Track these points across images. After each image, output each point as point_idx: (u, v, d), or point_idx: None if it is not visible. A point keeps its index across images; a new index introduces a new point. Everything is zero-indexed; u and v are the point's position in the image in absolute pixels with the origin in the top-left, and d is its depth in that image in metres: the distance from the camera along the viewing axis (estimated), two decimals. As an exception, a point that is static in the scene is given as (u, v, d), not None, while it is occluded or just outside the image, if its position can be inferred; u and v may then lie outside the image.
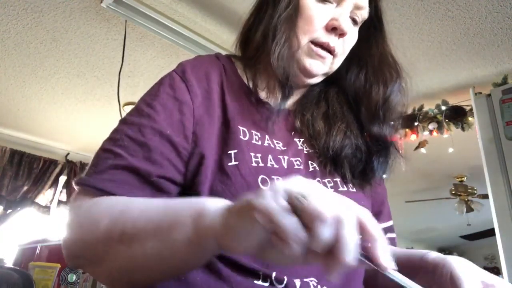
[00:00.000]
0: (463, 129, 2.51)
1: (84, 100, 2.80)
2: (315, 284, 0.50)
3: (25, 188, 3.36)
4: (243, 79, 0.65)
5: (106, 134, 0.55)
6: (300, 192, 0.32)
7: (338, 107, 0.68)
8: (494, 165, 1.85)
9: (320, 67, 0.63)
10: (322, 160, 0.61)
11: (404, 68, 0.69)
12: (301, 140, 0.63)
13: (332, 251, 0.31)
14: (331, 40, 0.61)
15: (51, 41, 2.17)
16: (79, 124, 3.17)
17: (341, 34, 0.61)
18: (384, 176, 0.67)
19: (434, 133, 2.56)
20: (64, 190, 3.60)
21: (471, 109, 2.35)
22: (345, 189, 0.60)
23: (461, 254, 7.38)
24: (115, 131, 0.54)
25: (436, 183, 4.19)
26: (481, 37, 2.04)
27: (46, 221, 3.46)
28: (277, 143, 0.60)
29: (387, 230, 0.73)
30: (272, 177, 0.53)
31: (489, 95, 2.00)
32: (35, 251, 1.84)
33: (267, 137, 0.59)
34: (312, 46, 0.61)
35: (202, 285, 0.48)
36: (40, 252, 1.83)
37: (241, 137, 0.56)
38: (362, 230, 0.32)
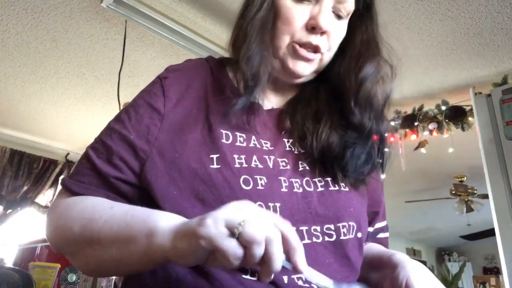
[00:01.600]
0: (463, 129, 2.51)
1: (84, 100, 2.80)
2: (303, 280, 0.50)
3: (25, 188, 3.36)
4: (234, 82, 0.64)
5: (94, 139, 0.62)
6: (238, 219, 0.39)
7: (326, 105, 0.66)
8: (494, 165, 1.85)
9: (306, 68, 0.62)
10: (311, 160, 0.60)
11: (391, 53, 0.66)
12: (290, 140, 0.63)
13: (263, 260, 0.40)
14: (313, 39, 0.60)
15: (51, 41, 2.17)
16: (79, 124, 3.17)
17: (322, 32, 0.60)
18: (375, 170, 0.64)
19: (434, 133, 2.56)
20: (64, 190, 3.60)
21: (471, 109, 2.35)
22: (337, 188, 0.59)
23: (461, 254, 7.39)
24: (99, 134, 0.60)
25: (436, 183, 4.19)
26: (481, 37, 2.04)
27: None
28: (264, 143, 0.60)
29: (380, 230, 0.73)
30: (255, 176, 0.53)
31: (489, 95, 2.00)
32: (35, 251, 1.84)
33: (253, 137, 0.59)
34: (297, 47, 0.61)
35: (191, 283, 0.48)
36: (40, 252, 1.83)
37: (224, 140, 0.56)
38: (285, 242, 0.41)
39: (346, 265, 0.56)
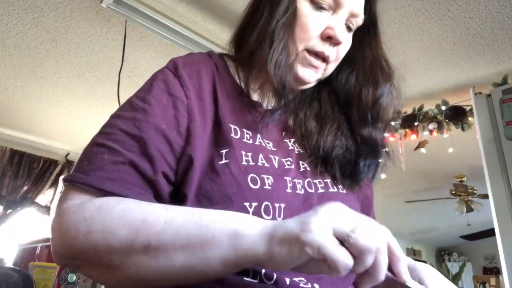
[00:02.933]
0: (463, 129, 2.51)
1: (84, 100, 2.80)
2: (305, 282, 0.50)
3: (25, 188, 3.36)
4: (235, 78, 0.64)
5: (100, 129, 0.54)
6: (347, 226, 0.37)
7: (330, 108, 0.68)
8: (494, 165, 1.85)
9: (313, 75, 0.63)
10: (312, 160, 0.61)
11: (398, 72, 0.68)
12: (292, 140, 0.63)
13: (368, 270, 0.38)
14: (326, 49, 0.61)
15: (51, 41, 2.17)
16: (79, 124, 3.17)
17: (336, 43, 0.61)
18: (373, 178, 0.67)
19: (434, 133, 2.56)
20: (64, 190, 3.60)
21: (471, 109, 2.35)
22: (335, 190, 0.60)
23: (461, 254, 7.39)
24: (107, 125, 0.52)
25: (436, 183, 4.19)
26: (481, 37, 2.04)
27: (46, 221, 3.46)
28: (267, 143, 0.60)
29: None
30: (262, 176, 0.53)
31: (489, 95, 2.00)
32: (35, 251, 1.84)
33: (258, 136, 0.59)
34: (306, 55, 0.61)
35: (193, 283, 0.48)
36: (40, 252, 1.83)
37: (232, 135, 0.55)
38: (390, 252, 0.40)
39: None
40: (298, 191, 0.56)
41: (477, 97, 2.05)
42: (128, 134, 0.50)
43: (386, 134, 0.67)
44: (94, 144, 0.50)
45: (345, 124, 0.66)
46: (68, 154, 3.67)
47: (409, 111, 2.64)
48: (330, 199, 0.57)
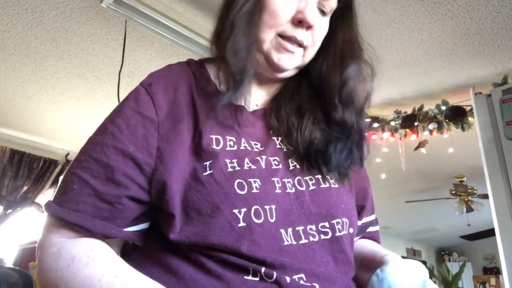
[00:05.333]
0: (463, 129, 2.51)
1: (84, 100, 2.80)
2: (304, 280, 0.50)
3: (25, 188, 3.36)
4: (216, 83, 0.62)
5: (77, 154, 0.56)
6: None
7: (308, 101, 0.66)
8: (494, 165, 1.85)
9: (290, 61, 0.62)
10: (297, 157, 0.61)
11: (370, 53, 0.66)
12: (279, 138, 0.62)
13: None
14: (298, 33, 0.60)
15: (51, 41, 2.17)
16: (79, 124, 3.17)
17: (308, 27, 0.60)
18: (352, 164, 0.65)
19: (434, 133, 2.56)
20: (64, 190, 3.60)
21: (471, 109, 2.35)
22: (327, 185, 0.59)
23: (461, 254, 7.39)
24: (82, 151, 0.55)
25: (436, 183, 4.19)
26: (481, 37, 2.04)
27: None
28: (254, 144, 0.59)
29: (369, 224, 0.73)
30: (249, 180, 0.52)
31: (489, 95, 2.00)
32: (35, 251, 1.84)
33: (243, 140, 0.58)
34: (280, 40, 0.60)
35: (194, 282, 0.48)
36: (40, 252, 1.82)
37: (214, 146, 0.55)
38: None
39: (344, 261, 0.56)
40: (288, 190, 0.55)
41: (477, 97, 2.05)
42: (96, 160, 0.52)
43: (363, 121, 0.65)
44: (69, 172, 0.53)
45: (321, 115, 0.65)
46: (68, 154, 3.67)
47: (409, 111, 2.64)
48: (322, 195, 0.57)
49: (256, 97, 0.67)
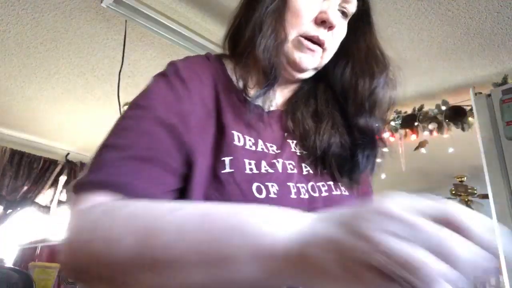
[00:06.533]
0: (463, 129, 2.51)
1: (84, 100, 2.80)
2: None
3: (25, 188, 3.36)
4: (233, 79, 0.62)
5: (106, 134, 0.54)
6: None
7: (325, 104, 0.67)
8: (494, 165, 1.85)
9: (310, 60, 0.62)
10: (312, 161, 0.60)
11: (393, 62, 0.68)
12: (294, 141, 0.62)
13: None
14: (321, 33, 0.61)
15: (51, 41, 2.17)
16: (79, 124, 3.17)
17: (330, 27, 0.61)
18: (372, 171, 0.66)
19: (434, 133, 2.56)
20: (64, 190, 3.60)
21: (471, 109, 2.35)
22: (339, 192, 0.59)
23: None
24: (114, 126, 0.52)
25: (436, 183, 4.19)
26: (481, 37, 2.04)
27: (46, 221, 3.46)
28: (270, 146, 0.58)
29: None
30: (267, 184, 0.51)
31: (489, 95, 2.00)
32: (35, 251, 1.84)
33: (260, 141, 0.57)
34: (302, 40, 0.61)
35: None
36: (40, 252, 1.83)
37: (236, 143, 0.54)
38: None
39: None
40: (302, 196, 0.54)
41: (477, 97, 2.05)
42: (134, 131, 0.49)
43: (383, 128, 0.67)
44: (102, 146, 0.49)
45: (340, 120, 0.65)
46: (68, 154, 3.67)
47: (409, 111, 2.64)
48: (334, 202, 0.57)
49: (273, 100, 0.66)
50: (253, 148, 0.56)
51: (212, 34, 2.07)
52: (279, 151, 0.58)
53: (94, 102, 2.82)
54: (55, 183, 3.55)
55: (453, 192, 4.00)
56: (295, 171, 0.57)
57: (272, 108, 0.65)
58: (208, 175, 0.50)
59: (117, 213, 0.39)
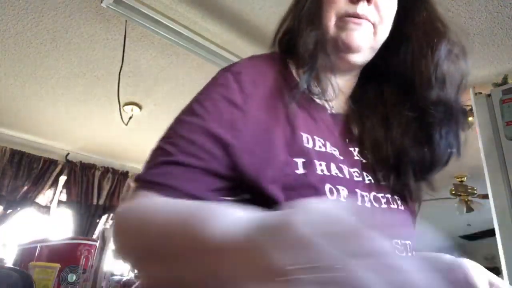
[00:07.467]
0: (463, 129, 2.50)
1: (84, 100, 2.80)
2: None
3: (25, 188, 3.36)
4: (298, 80, 0.60)
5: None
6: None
7: (395, 109, 0.63)
8: (494, 165, 1.85)
9: (360, 35, 0.59)
10: (381, 172, 0.58)
11: (457, 25, 0.62)
12: (357, 149, 0.60)
13: None
14: (360, 8, 0.58)
15: (51, 41, 2.17)
16: (79, 124, 3.17)
17: (368, 1, 0.58)
18: (459, 151, 0.62)
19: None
20: (64, 190, 3.60)
21: (471, 109, 2.34)
22: (395, 206, 0.58)
23: (461, 254, 7.39)
24: (169, 129, 0.56)
25: (436, 183, 4.19)
26: (481, 37, 2.04)
27: (46, 221, 3.46)
28: (334, 150, 0.56)
29: None
30: (337, 186, 0.51)
31: (489, 95, 2.00)
32: (35, 251, 1.84)
33: (328, 143, 0.56)
34: (344, 18, 0.59)
35: None
36: (40, 252, 1.83)
37: (306, 144, 0.53)
38: None
39: None
40: (366, 205, 0.53)
41: (477, 97, 2.05)
42: (183, 137, 0.52)
43: (461, 104, 0.61)
44: (156, 147, 0.54)
45: (412, 120, 0.61)
46: (68, 154, 3.67)
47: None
48: (392, 215, 0.55)
49: (334, 94, 0.63)
50: (323, 149, 0.55)
51: (212, 34, 2.07)
52: (342, 157, 0.57)
53: (94, 102, 2.82)
54: (55, 183, 3.55)
55: (453, 192, 4.00)
56: (360, 178, 0.56)
57: (334, 111, 0.63)
58: (284, 175, 0.50)
59: (151, 209, 0.45)
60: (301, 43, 0.58)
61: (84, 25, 2.03)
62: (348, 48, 0.59)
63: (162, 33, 1.92)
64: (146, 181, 0.50)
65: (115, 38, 2.14)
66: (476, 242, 6.90)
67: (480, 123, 1.97)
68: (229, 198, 0.52)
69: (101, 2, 1.78)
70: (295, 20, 0.63)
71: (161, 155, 0.52)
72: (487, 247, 6.75)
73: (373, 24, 0.59)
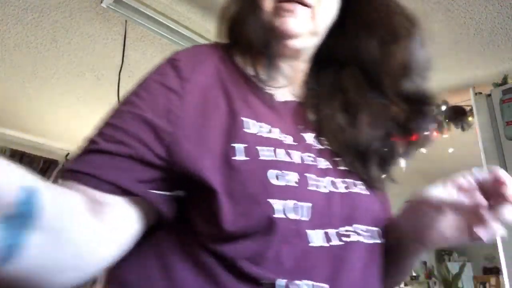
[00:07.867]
0: (463, 129, 2.51)
1: (84, 100, 2.80)
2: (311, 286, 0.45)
3: (25, 188, 3.36)
4: (243, 67, 0.59)
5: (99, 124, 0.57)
6: None
7: (358, 93, 0.61)
8: (494, 165, 1.85)
9: (293, 23, 0.56)
10: (342, 158, 0.57)
11: (416, 17, 0.62)
12: (312, 135, 0.58)
13: None
14: None
15: (51, 41, 2.17)
16: (79, 124, 3.17)
17: None
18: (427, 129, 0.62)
19: (434, 133, 2.56)
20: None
21: (471, 109, 2.35)
22: (357, 190, 0.56)
23: (461, 254, 7.39)
24: (102, 120, 0.55)
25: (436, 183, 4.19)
26: (481, 37, 2.04)
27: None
28: (285, 136, 0.54)
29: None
30: (284, 171, 0.48)
31: (489, 95, 2.00)
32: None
33: (276, 130, 0.54)
34: (278, 4, 0.57)
35: None
36: (40, 252, 1.82)
37: (248, 130, 0.51)
38: None
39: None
40: (321, 190, 0.51)
41: (477, 97, 2.05)
42: (111, 125, 0.51)
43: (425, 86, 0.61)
44: (86, 139, 0.54)
45: (380, 106, 0.60)
46: (68, 154, 3.67)
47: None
48: (352, 200, 0.53)
49: (282, 83, 0.61)
50: (267, 135, 0.53)
51: (212, 34, 2.07)
52: (295, 143, 0.55)
53: (94, 102, 2.82)
54: (55, 183, 3.55)
55: (453, 192, 3.99)
56: (315, 163, 0.54)
57: (287, 99, 0.61)
58: (220, 161, 0.48)
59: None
60: (249, 31, 0.57)
61: (84, 25, 2.03)
62: (285, 35, 0.57)
63: (162, 33, 1.92)
64: (67, 171, 0.49)
65: (115, 38, 2.14)
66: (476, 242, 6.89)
67: (480, 123, 1.97)
68: (162, 192, 0.49)
69: (101, 2, 1.78)
70: (238, 8, 0.62)
71: (88, 145, 0.51)
72: (487, 247, 6.75)
73: (311, 7, 0.57)
